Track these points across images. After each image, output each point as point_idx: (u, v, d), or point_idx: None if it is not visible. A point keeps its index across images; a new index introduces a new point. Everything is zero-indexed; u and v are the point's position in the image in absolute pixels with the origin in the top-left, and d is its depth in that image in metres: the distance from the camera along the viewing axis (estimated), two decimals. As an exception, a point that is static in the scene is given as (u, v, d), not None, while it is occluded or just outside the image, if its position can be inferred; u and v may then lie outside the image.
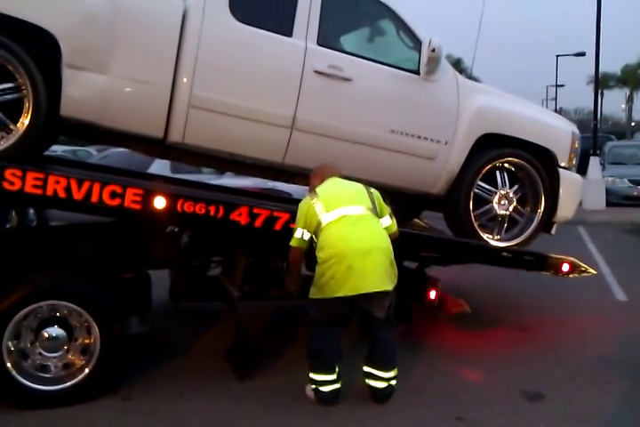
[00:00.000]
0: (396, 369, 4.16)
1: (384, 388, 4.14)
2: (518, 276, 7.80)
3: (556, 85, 39.87)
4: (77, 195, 3.85)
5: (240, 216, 4.23)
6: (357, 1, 5.14)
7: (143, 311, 4.47)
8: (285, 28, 4.64)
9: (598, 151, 16.96)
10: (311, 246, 4.13)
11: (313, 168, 4.45)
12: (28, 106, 4.03)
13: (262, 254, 4.73)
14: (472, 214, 5.18)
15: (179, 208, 4.08)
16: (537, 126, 5.42)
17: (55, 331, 3.95)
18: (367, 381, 4.16)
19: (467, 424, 3.93)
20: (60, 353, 3.98)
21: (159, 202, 4.03)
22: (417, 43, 5.01)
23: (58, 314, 3.97)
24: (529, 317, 6.46)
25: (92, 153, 14.31)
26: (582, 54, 32.31)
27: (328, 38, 4.82)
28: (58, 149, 13.43)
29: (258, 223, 4.27)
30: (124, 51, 4.19)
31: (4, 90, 4.01)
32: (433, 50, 4.81)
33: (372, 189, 4.30)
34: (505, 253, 5.20)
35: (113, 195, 3.93)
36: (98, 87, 4.15)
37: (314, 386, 4.09)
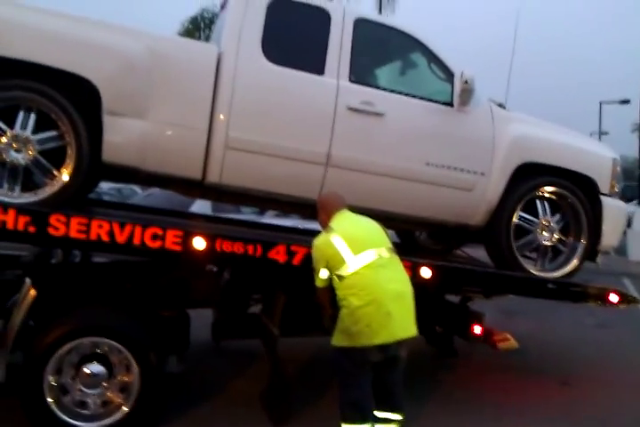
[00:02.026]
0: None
1: None
2: (561, 325, 7.71)
3: (600, 133, 39.15)
4: (120, 238, 3.94)
5: (278, 254, 4.26)
6: (388, 36, 5.15)
7: (181, 350, 4.48)
8: (317, 67, 4.72)
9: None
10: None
11: (317, 201, 4.32)
12: (70, 153, 4.16)
13: (301, 291, 4.73)
14: (514, 245, 5.10)
15: (218, 248, 4.14)
16: (576, 154, 5.34)
17: (95, 367, 4.00)
18: None
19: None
20: (100, 390, 4.02)
21: (199, 242, 4.09)
22: (449, 75, 5.04)
23: (99, 351, 4.02)
24: (572, 370, 6.30)
25: (137, 191, 14.57)
26: (627, 102, 31.68)
27: (359, 74, 4.89)
28: (104, 187, 13.71)
29: (296, 261, 4.29)
30: (161, 96, 4.31)
31: (47, 138, 4.16)
32: (466, 81, 4.83)
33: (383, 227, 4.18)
34: (550, 285, 5.10)
35: (154, 237, 4.01)
36: (137, 132, 4.26)
37: None
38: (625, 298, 5.30)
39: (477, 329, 5.27)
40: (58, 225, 3.83)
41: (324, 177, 4.69)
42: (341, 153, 4.69)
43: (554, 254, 5.33)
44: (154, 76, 4.29)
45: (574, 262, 5.29)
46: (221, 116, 4.43)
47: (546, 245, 5.25)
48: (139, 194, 13.84)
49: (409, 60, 5.29)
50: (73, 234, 3.86)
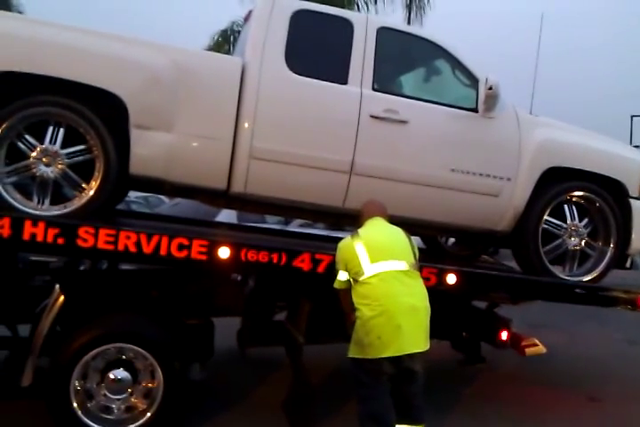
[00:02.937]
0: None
1: None
2: (588, 340, 7.66)
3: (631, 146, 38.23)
4: (147, 249, 4.01)
5: (303, 262, 4.29)
6: (411, 44, 5.14)
7: (205, 358, 4.53)
8: (340, 77, 4.74)
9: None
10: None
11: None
12: (99, 166, 4.26)
13: (326, 299, 4.75)
14: (541, 251, 5.05)
15: (242, 257, 4.19)
16: (603, 157, 5.28)
17: (120, 373, 4.08)
18: None
19: None
20: (124, 396, 4.10)
21: (224, 252, 4.14)
22: (474, 81, 5.03)
23: (124, 357, 4.10)
24: (601, 385, 6.20)
25: (164, 200, 14.74)
26: (659, 114, 30.99)
27: (383, 83, 4.91)
28: (131, 195, 13.89)
29: (320, 269, 4.31)
30: (187, 109, 4.37)
31: (76, 152, 4.26)
32: (490, 87, 4.82)
33: (412, 240, 4.16)
34: (578, 290, 5.04)
35: (180, 247, 4.07)
36: (164, 145, 4.34)
37: None
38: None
39: (504, 335, 5.23)
40: (86, 237, 3.91)
41: (349, 185, 4.71)
42: (365, 161, 4.70)
43: (582, 259, 5.27)
44: (179, 89, 4.36)
45: (603, 267, 5.21)
46: (246, 127, 4.48)
47: (574, 250, 5.18)
48: (165, 203, 14.00)
49: (433, 67, 5.29)
50: (101, 245, 3.94)
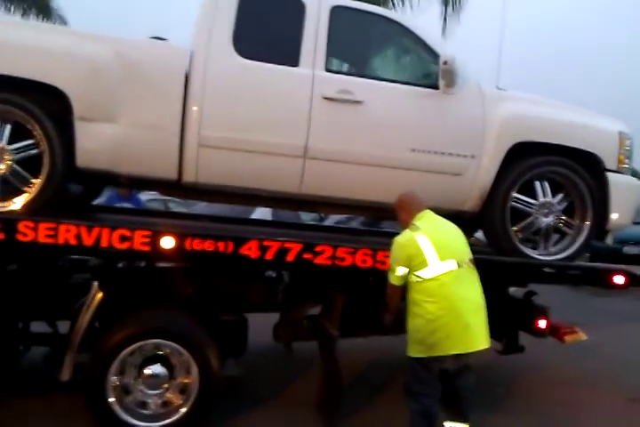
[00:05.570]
0: None
1: None
2: (628, 338, 7.51)
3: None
4: (87, 241, 4.00)
5: (250, 250, 4.22)
6: (367, 22, 4.97)
7: (238, 354, 4.57)
8: (291, 59, 4.64)
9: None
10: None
11: (397, 201, 4.25)
12: (45, 160, 4.27)
13: (359, 292, 4.65)
14: (510, 230, 4.85)
15: (187, 246, 4.14)
16: (576, 130, 5.02)
17: (157, 369, 4.14)
18: None
19: None
20: (160, 391, 4.16)
21: (167, 242, 4.11)
22: (434, 57, 4.85)
23: (161, 352, 4.15)
24: None
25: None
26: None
27: (336, 63, 4.81)
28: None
29: (269, 256, 4.24)
30: (132, 99, 4.35)
31: (23, 147, 4.28)
32: (445, 62, 4.65)
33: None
34: (547, 269, 4.84)
35: (122, 238, 4.05)
36: (109, 136, 4.32)
37: None
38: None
39: (542, 323, 5.05)
40: (26, 231, 3.93)
41: (304, 170, 4.61)
42: (319, 144, 4.59)
43: (560, 236, 5.05)
44: (123, 79, 4.34)
45: (580, 244, 4.98)
46: (193, 115, 4.43)
47: (548, 228, 4.97)
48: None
49: (391, 45, 5.14)
50: (41, 239, 3.95)
